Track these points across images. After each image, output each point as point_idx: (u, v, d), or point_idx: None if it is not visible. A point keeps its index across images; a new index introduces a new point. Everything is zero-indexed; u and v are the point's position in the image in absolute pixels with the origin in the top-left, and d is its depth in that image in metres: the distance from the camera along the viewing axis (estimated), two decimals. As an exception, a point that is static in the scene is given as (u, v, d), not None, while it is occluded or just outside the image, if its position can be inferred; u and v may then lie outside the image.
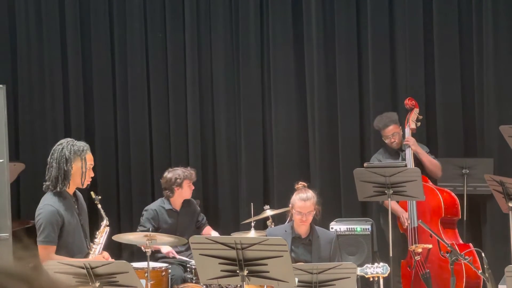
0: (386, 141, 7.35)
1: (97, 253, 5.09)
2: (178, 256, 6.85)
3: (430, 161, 7.26)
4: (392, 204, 6.83)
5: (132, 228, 7.64)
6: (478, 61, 7.68)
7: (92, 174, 5.07)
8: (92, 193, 5.12)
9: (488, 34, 7.59)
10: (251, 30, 8.15)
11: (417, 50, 7.80)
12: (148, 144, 8.39)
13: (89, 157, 5.04)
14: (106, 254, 5.17)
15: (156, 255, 6.85)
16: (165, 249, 6.82)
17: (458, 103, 7.73)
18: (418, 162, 7.25)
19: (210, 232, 7.11)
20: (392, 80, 7.90)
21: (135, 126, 8.38)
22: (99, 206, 5.15)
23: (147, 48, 8.37)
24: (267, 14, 8.13)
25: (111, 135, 8.44)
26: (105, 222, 5.23)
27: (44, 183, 5.01)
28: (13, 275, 1.12)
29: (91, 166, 5.04)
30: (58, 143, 5.04)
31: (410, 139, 7.24)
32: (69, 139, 5.11)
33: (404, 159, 7.19)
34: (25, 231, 7.02)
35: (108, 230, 5.24)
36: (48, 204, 4.92)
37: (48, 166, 4.98)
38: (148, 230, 6.51)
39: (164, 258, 6.88)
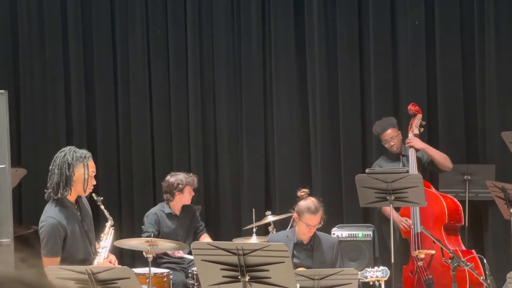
0: (386, 145, 7.34)
1: (103, 257, 5.07)
2: (186, 256, 6.83)
3: (439, 155, 7.25)
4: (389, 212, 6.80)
5: (134, 234, 7.63)
6: (480, 67, 7.68)
7: (94, 182, 5.06)
8: (94, 194, 5.12)
9: (490, 40, 7.59)
10: (253, 34, 8.15)
11: (419, 55, 7.80)
12: (150, 150, 8.39)
13: (91, 164, 5.04)
14: (112, 258, 5.16)
15: (158, 261, 6.83)
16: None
17: (460, 109, 7.73)
18: (420, 168, 7.24)
19: (205, 239, 7.07)
20: (394, 85, 7.89)
21: (137, 131, 8.38)
22: (102, 207, 5.14)
23: (149, 53, 8.38)
24: (269, 18, 8.14)
25: (113, 141, 8.44)
26: (109, 223, 5.21)
27: (45, 190, 5.01)
28: (26, 283, 1.12)
29: (93, 174, 5.03)
30: (60, 150, 5.05)
31: (412, 139, 7.20)
32: (71, 146, 5.11)
33: (405, 165, 7.18)
34: (26, 237, 7.01)
35: (113, 231, 5.22)
36: (50, 216, 4.92)
37: (50, 173, 4.98)
38: (152, 235, 6.50)
39: (167, 263, 6.87)
